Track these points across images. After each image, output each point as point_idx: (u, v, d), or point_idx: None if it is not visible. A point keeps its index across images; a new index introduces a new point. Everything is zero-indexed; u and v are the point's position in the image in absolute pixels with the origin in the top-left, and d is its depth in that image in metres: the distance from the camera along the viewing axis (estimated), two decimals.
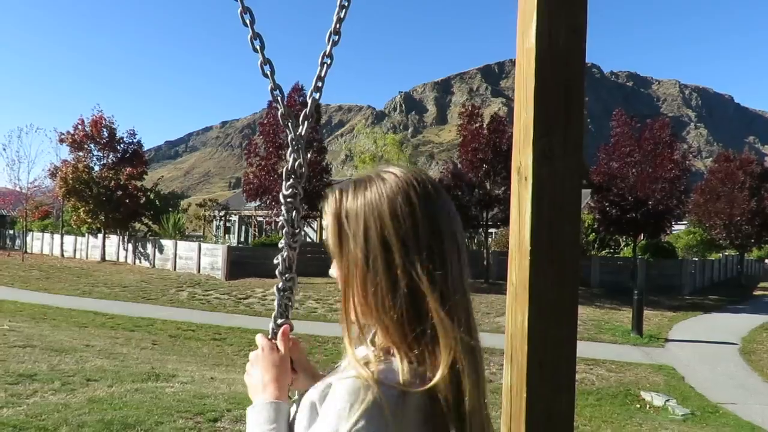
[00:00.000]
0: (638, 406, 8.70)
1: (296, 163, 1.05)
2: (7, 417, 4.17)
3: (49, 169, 27.96)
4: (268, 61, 1.10)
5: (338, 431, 0.71)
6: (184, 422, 4.22)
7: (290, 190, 1.03)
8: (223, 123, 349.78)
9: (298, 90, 19.94)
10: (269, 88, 1.09)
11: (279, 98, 1.08)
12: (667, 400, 8.73)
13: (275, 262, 1.04)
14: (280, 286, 1.04)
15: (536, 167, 1.55)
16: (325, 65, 1.13)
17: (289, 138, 1.07)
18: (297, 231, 1.03)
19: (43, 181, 32.65)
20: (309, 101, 1.12)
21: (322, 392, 0.80)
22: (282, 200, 1.03)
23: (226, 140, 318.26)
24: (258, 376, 0.94)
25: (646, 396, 9.02)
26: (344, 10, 1.14)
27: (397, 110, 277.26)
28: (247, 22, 1.10)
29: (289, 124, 1.08)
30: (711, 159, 38.20)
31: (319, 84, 1.13)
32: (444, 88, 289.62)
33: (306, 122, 1.10)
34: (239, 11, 1.10)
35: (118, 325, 12.48)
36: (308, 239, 29.99)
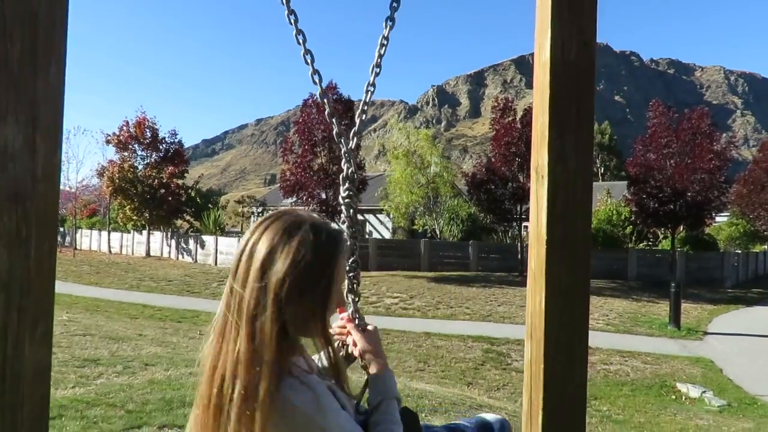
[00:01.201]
0: (674, 397, 8.72)
1: (349, 171, 1.34)
2: (80, 395, 4.64)
3: (97, 169, 29.29)
4: (325, 92, 1.39)
5: None
6: None
7: (347, 192, 1.32)
8: (258, 121, 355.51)
9: (332, 89, 20.35)
10: (327, 113, 1.38)
11: (334, 120, 1.37)
12: (704, 392, 8.72)
13: None
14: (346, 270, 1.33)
15: (551, 166, 1.81)
16: (370, 92, 1.41)
17: (342, 151, 1.36)
18: (355, 223, 1.32)
19: (90, 181, 34.15)
20: (357, 121, 1.41)
21: None
22: (341, 201, 1.32)
23: (261, 138, 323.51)
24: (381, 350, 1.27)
25: (682, 387, 9.03)
26: (384, 48, 1.42)
27: (430, 104, 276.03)
28: (292, 20, 1.39)
29: (342, 140, 1.37)
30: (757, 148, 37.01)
31: (365, 108, 1.41)
32: (477, 81, 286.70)
33: (355, 138, 1.39)
34: (286, 14, 1.39)
35: (166, 316, 13.14)
36: None
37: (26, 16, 1.59)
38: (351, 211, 1.32)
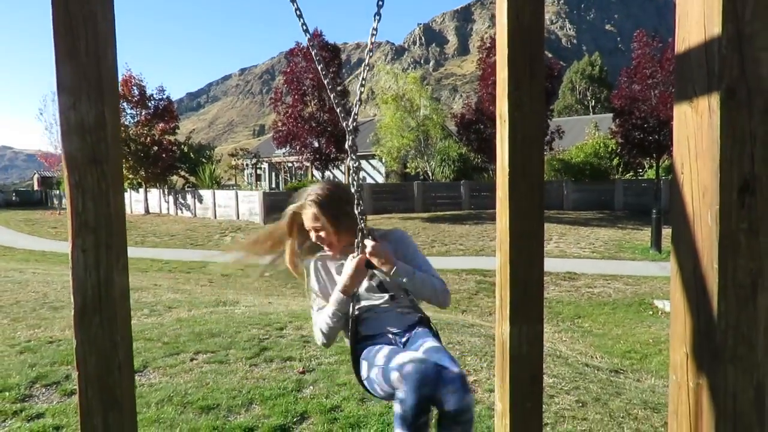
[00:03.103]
0: (650, 312, 9.50)
1: (352, 140, 1.84)
2: None
3: None
4: (328, 74, 1.85)
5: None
6: (257, 331, 5.24)
7: (352, 162, 1.82)
8: (242, 70, 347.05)
9: (317, 36, 20.25)
10: (341, 114, 1.85)
11: (341, 113, 1.84)
12: None
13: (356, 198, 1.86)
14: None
15: (511, 113, 2.33)
16: (366, 69, 1.88)
17: (346, 129, 1.85)
18: (359, 170, 1.85)
19: None
20: (355, 108, 1.88)
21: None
22: (351, 168, 1.83)
23: (246, 88, 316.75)
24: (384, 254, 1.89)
25: (659, 304, 9.80)
26: (374, 37, 1.88)
27: (417, 44, 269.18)
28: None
29: (349, 122, 1.86)
30: None
31: (364, 82, 1.89)
32: (464, 17, 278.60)
33: (358, 105, 1.88)
34: None
35: (175, 268, 13.78)
36: (336, 180, 30.95)
37: (89, 16, 2.06)
38: (355, 173, 1.83)
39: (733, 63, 1.25)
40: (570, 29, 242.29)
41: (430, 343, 1.89)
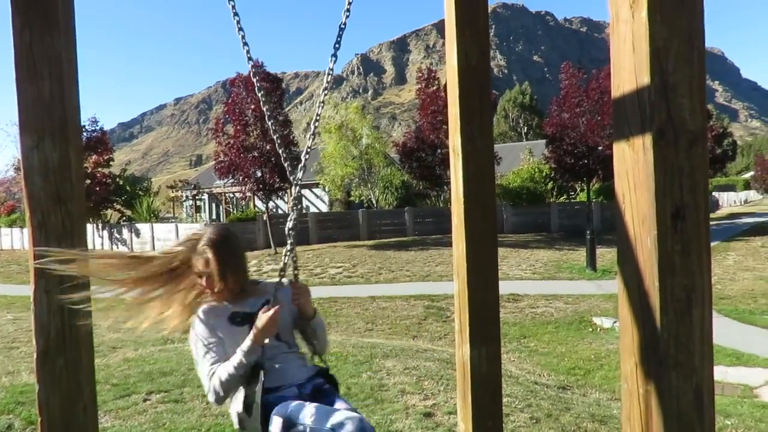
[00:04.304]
0: (590, 329, 9.96)
1: (297, 194, 1.95)
2: None
3: (14, 164, 27.56)
4: (270, 109, 1.95)
5: None
6: None
7: (294, 214, 1.91)
8: (177, 100, 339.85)
9: (257, 65, 20.31)
10: (284, 160, 1.95)
11: (289, 166, 1.94)
12: (615, 322, 10.02)
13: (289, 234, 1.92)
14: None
15: (463, 146, 2.50)
16: (321, 105, 2.00)
17: (291, 179, 1.95)
18: (297, 217, 1.93)
19: (6, 175, 32.04)
20: (303, 161, 1.99)
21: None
22: (292, 203, 1.92)
23: (182, 117, 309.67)
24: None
25: (597, 321, 10.31)
26: (330, 76, 2.00)
27: (355, 73, 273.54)
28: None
29: (294, 173, 1.96)
30: None
31: (314, 136, 2.00)
32: (400, 47, 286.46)
33: (303, 162, 1.98)
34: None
35: (113, 306, 13.12)
36: (279, 210, 30.61)
37: (53, 58, 2.08)
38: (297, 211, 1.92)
39: (661, 108, 1.46)
40: (501, 60, 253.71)
41: (343, 403, 1.89)
